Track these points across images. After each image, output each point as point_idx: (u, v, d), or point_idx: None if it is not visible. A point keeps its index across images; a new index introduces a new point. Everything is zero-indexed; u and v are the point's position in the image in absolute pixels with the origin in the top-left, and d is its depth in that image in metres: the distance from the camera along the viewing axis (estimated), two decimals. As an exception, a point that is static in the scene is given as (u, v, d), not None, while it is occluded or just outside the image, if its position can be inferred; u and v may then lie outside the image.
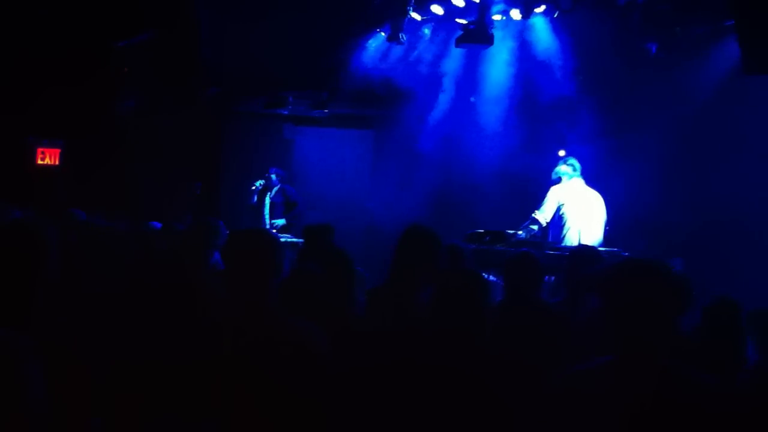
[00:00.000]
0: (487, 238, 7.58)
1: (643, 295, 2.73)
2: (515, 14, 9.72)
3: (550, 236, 8.07)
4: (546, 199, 8.16)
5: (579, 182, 8.21)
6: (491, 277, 6.94)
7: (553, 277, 6.51)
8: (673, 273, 2.80)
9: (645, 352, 2.73)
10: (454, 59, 10.65)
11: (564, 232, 8.00)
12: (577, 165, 8.27)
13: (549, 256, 6.84)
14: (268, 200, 10.29)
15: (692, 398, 2.70)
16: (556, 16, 9.52)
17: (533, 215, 8.11)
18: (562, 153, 9.53)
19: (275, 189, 10.37)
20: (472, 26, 9.46)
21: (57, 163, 10.45)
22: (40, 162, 10.35)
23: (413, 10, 9.91)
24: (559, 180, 8.29)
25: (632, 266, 2.86)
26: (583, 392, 2.82)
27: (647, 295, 2.73)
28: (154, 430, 3.11)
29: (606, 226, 8.15)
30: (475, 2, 9.39)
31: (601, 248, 7.22)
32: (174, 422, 3.08)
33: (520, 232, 7.81)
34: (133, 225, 6.28)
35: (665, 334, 2.74)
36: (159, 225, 6.93)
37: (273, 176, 10.34)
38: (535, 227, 7.99)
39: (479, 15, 9.38)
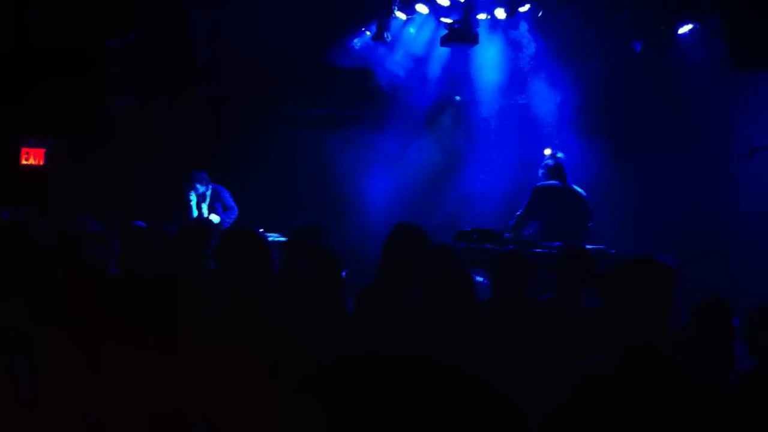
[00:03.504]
0: (475, 236, 7.58)
1: (651, 291, 2.79)
2: (500, 13, 9.74)
3: (533, 235, 8.05)
4: (528, 199, 8.15)
5: (562, 180, 8.20)
6: (478, 278, 6.95)
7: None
8: (673, 269, 2.85)
9: (648, 348, 2.77)
10: (441, 58, 10.65)
11: (546, 230, 7.97)
12: (564, 161, 8.24)
13: (537, 254, 6.86)
14: (205, 209, 9.87)
15: (695, 394, 2.74)
16: (540, 15, 9.55)
17: (517, 215, 8.10)
18: (547, 151, 9.55)
19: (207, 195, 9.89)
20: (457, 25, 9.48)
21: (41, 163, 10.38)
22: (24, 162, 10.29)
23: (398, 10, 9.93)
24: (543, 178, 8.27)
25: (636, 263, 2.91)
26: (587, 387, 2.85)
27: (654, 290, 2.79)
28: (150, 424, 3.11)
29: (590, 223, 8.15)
30: (459, 1, 9.41)
31: (586, 246, 7.24)
32: (169, 416, 3.08)
33: (508, 234, 7.80)
34: (120, 224, 6.26)
35: (665, 330, 2.79)
36: (143, 224, 6.90)
37: (198, 186, 9.80)
38: (526, 229, 7.98)
39: (464, 14, 9.40)
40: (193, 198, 9.85)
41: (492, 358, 3.44)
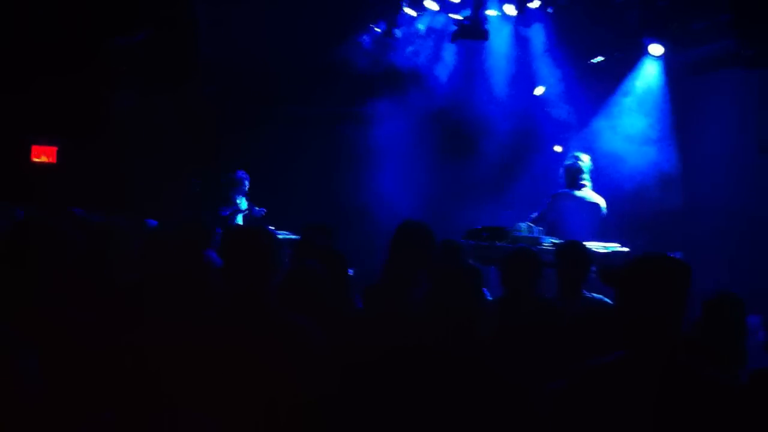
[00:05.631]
0: (485, 234, 7.55)
1: (667, 287, 2.79)
2: (509, 9, 9.72)
3: (542, 232, 7.93)
4: (547, 204, 8.05)
5: (586, 186, 8.00)
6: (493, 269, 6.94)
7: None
8: (687, 266, 2.84)
9: (660, 346, 2.76)
10: (449, 54, 10.63)
11: (559, 236, 7.87)
12: (587, 165, 8.05)
13: (547, 251, 6.83)
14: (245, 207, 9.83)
15: (706, 393, 2.72)
16: (550, 11, 9.52)
17: (532, 217, 7.98)
18: (558, 149, 9.51)
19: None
20: (466, 22, 9.46)
21: (54, 161, 10.40)
22: (36, 160, 10.31)
23: (407, 6, 9.92)
24: (566, 181, 8.13)
25: (651, 260, 2.90)
26: (597, 387, 2.84)
27: (671, 287, 2.79)
28: (153, 422, 3.12)
29: (598, 228, 8.04)
30: (469, -2, 9.40)
31: (599, 243, 7.21)
32: (171, 414, 3.08)
33: (519, 231, 7.72)
34: (129, 222, 6.27)
35: (679, 328, 2.78)
36: (155, 222, 6.93)
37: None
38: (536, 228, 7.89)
39: (474, 10, 9.38)
40: (243, 203, 9.78)
41: (500, 352, 3.45)
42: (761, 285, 6.52)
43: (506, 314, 4.71)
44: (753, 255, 7.86)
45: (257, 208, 9.76)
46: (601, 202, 8.06)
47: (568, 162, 8.20)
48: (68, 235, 3.15)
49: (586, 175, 8.07)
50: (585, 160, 8.11)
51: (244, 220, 9.76)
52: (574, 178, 8.06)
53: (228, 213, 9.71)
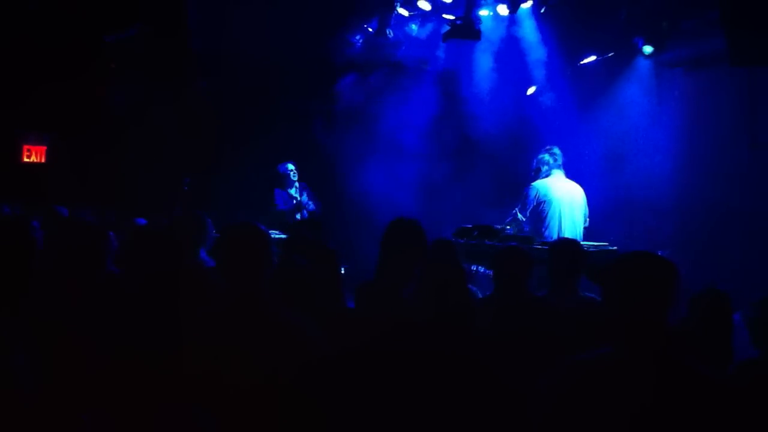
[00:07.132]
0: (476, 233, 7.55)
1: (650, 285, 2.80)
2: (502, 9, 9.73)
3: (530, 231, 7.96)
4: (525, 195, 8.07)
5: (559, 175, 8.11)
6: (481, 269, 6.94)
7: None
8: (671, 263, 2.85)
9: (647, 343, 2.76)
10: (441, 53, 10.64)
11: (544, 227, 7.89)
12: (559, 156, 8.11)
13: (537, 250, 6.84)
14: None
15: (695, 389, 2.72)
16: (543, 11, 9.53)
17: (515, 212, 8.00)
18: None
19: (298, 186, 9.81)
20: (459, 21, 9.46)
21: (43, 160, 10.38)
22: (26, 159, 10.29)
23: (400, 6, 9.92)
24: (538, 173, 8.18)
25: (638, 257, 2.91)
26: (585, 382, 2.83)
27: (654, 284, 2.80)
28: (151, 420, 3.11)
29: (586, 220, 8.07)
30: (461, -2, 9.41)
31: (588, 243, 7.22)
32: (170, 412, 3.07)
33: (508, 228, 7.75)
34: (118, 220, 6.27)
35: (664, 324, 2.78)
36: (144, 221, 6.92)
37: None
38: (525, 225, 7.91)
39: (466, 10, 9.39)
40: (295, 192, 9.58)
41: (491, 351, 3.44)
42: (752, 281, 6.52)
43: (497, 312, 4.71)
44: (744, 251, 7.88)
45: (312, 203, 9.66)
46: (578, 186, 8.10)
47: (540, 155, 8.20)
48: (29, 232, 3.14)
49: (559, 165, 8.10)
50: (556, 152, 8.14)
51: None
52: (547, 167, 8.08)
53: (287, 208, 9.66)
